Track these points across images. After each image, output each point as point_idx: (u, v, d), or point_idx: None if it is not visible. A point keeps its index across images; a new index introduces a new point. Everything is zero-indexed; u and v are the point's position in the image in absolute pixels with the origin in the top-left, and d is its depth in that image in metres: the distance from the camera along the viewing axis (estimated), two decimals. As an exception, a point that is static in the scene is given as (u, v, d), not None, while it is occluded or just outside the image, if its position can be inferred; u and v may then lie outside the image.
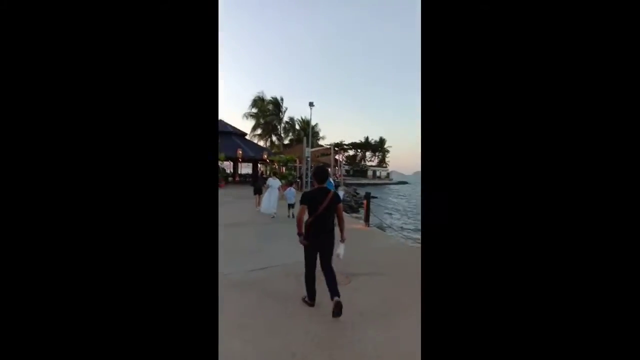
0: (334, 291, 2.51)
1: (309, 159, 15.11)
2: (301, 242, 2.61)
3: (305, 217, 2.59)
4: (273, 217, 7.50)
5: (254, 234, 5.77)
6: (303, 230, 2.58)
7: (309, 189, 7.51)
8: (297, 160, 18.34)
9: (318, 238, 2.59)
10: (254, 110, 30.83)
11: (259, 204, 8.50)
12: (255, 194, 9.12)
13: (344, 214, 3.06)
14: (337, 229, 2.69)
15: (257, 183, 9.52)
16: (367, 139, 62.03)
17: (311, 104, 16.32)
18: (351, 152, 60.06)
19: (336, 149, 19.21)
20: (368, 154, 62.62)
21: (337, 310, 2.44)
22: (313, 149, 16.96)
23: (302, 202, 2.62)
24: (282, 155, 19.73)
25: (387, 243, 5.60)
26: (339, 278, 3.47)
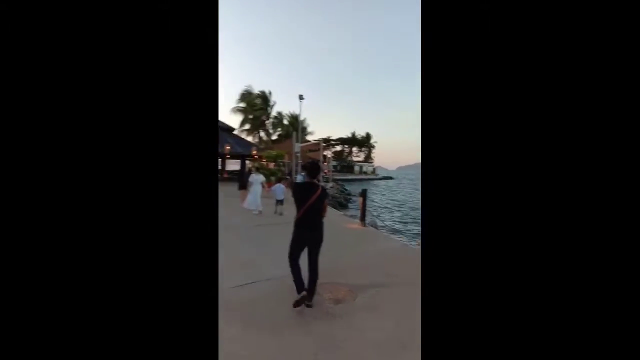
0: (310, 290, 2.55)
1: (298, 154, 14.44)
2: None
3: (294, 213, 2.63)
4: (257, 213, 7.20)
5: (239, 238, 5.15)
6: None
7: None
8: (287, 156, 17.55)
9: (305, 232, 2.57)
10: (242, 104, 29.66)
11: (243, 199, 8.25)
12: (239, 189, 9.47)
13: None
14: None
15: (242, 179, 10.03)
16: (353, 134, 61.89)
17: (301, 97, 15.60)
18: (338, 148, 59.75)
19: (324, 144, 18.57)
20: (354, 149, 62.50)
21: (298, 303, 2.46)
22: (302, 144, 16.31)
23: (293, 194, 2.65)
24: (270, 151, 18.81)
25: (388, 245, 5.15)
26: (343, 293, 3.00)
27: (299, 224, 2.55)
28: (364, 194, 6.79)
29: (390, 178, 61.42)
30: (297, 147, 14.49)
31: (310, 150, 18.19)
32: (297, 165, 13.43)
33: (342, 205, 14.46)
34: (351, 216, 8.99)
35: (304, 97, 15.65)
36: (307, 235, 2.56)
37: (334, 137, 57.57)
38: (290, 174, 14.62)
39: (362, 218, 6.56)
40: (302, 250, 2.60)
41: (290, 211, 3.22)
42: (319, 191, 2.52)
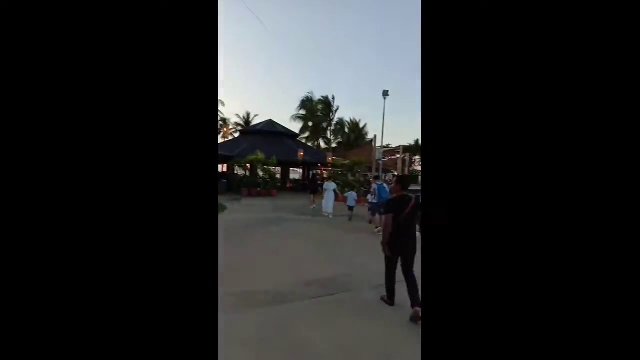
0: (414, 300, 2.55)
1: (380, 162, 12.78)
2: (385, 252, 2.76)
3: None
4: (328, 216, 8.25)
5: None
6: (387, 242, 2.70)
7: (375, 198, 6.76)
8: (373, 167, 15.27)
9: (400, 242, 2.66)
10: (302, 112, 29.59)
11: (313, 201, 9.98)
12: (310, 194, 10.56)
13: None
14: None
15: (313, 185, 10.99)
16: (417, 142, 58.23)
17: (385, 93, 13.53)
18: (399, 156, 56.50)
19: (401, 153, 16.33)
20: (416, 158, 58.49)
21: (415, 319, 2.45)
22: (385, 150, 14.60)
23: (387, 210, 2.76)
24: (342, 159, 16.94)
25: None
26: None
27: (394, 236, 2.65)
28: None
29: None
30: (380, 153, 12.92)
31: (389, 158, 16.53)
32: (380, 174, 12.00)
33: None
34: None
35: (388, 93, 13.48)
36: (402, 245, 2.69)
37: (393, 145, 54.65)
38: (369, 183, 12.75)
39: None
40: (396, 263, 2.75)
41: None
42: (412, 203, 2.67)
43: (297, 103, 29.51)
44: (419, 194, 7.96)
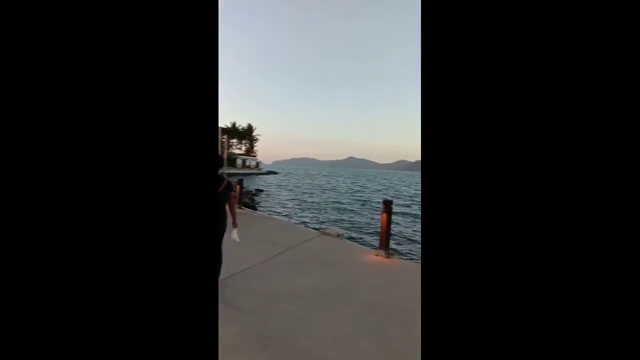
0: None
1: None
2: None
3: None
4: None
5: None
6: None
7: None
8: None
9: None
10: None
11: None
12: None
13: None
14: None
15: None
16: (234, 124, 56.83)
17: None
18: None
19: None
20: (234, 141, 57.35)
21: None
22: None
23: None
24: None
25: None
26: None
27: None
28: (388, 208, 3.95)
29: (274, 172, 59.59)
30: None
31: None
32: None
33: (248, 205, 10.98)
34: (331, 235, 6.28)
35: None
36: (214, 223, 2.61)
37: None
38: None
39: (385, 245, 3.87)
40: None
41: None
42: (224, 183, 2.55)
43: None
44: (242, 178, 8.31)
